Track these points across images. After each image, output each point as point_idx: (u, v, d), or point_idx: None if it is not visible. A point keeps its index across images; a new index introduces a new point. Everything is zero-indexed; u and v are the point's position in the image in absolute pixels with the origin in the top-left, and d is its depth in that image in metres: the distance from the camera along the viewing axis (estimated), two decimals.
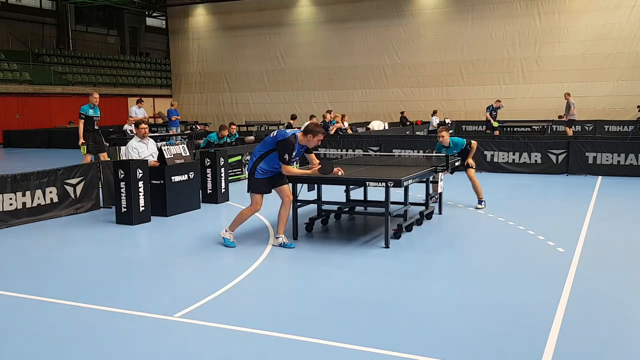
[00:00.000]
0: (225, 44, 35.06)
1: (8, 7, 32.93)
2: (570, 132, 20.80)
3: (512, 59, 28.23)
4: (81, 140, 12.17)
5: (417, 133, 22.23)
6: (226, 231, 7.23)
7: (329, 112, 19.05)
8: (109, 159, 11.60)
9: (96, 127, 12.38)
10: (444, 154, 9.63)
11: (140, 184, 8.80)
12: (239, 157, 13.62)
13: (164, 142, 12.80)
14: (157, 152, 9.62)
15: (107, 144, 12.91)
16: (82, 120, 12.25)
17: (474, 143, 9.76)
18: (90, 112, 12.30)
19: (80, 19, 38.36)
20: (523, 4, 27.75)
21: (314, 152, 7.46)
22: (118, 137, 17.05)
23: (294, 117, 20.10)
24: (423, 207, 8.67)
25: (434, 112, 24.23)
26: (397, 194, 8.98)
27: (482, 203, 9.65)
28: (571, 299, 5.15)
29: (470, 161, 9.65)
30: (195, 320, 4.74)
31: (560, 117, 21.70)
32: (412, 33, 30.21)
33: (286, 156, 6.74)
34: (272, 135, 6.96)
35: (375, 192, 8.35)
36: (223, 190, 10.68)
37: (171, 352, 4.21)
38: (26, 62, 31.63)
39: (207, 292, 5.44)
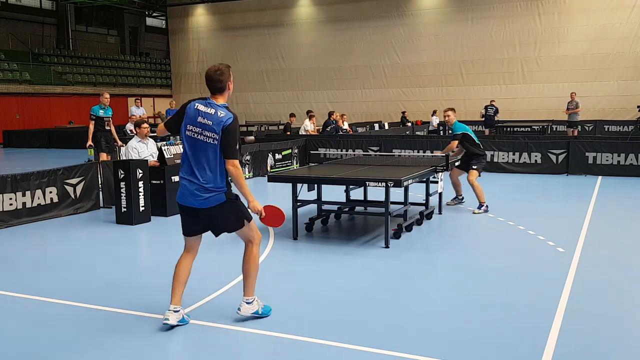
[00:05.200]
0: (225, 44, 35.06)
1: (8, 7, 32.93)
2: (575, 132, 20.81)
3: (512, 59, 28.25)
4: (89, 143, 12.01)
5: (417, 133, 22.24)
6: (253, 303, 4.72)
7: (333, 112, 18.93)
8: (109, 159, 11.58)
9: (107, 128, 12.23)
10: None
11: (140, 184, 8.80)
12: None
13: (164, 142, 12.79)
14: (157, 152, 9.62)
15: (122, 144, 12.64)
16: (93, 122, 12.05)
17: (453, 143, 9.46)
18: (101, 113, 12.14)
19: (80, 19, 38.37)
20: (523, 4, 27.76)
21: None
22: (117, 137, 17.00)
23: (292, 115, 20.04)
24: (423, 207, 8.67)
25: (434, 112, 24.26)
26: (397, 194, 8.98)
27: (482, 207, 9.25)
28: (571, 299, 5.15)
29: (438, 152, 9.91)
30: (195, 320, 4.74)
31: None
32: (412, 33, 30.23)
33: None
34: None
35: (375, 192, 8.34)
36: None
37: (171, 352, 4.21)
38: (26, 62, 31.64)
39: (207, 292, 5.44)
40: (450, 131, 9.95)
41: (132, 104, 22.09)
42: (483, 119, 22.12)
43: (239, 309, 4.61)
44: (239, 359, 4.11)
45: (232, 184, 4.53)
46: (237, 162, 4.38)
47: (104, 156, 11.99)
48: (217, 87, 4.42)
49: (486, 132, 21.11)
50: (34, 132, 26.83)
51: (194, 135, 4.37)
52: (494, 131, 21.01)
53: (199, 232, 4.64)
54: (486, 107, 21.72)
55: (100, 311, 5.02)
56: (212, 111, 4.35)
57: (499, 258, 6.70)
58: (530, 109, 27.44)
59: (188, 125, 4.39)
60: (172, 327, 4.49)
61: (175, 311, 4.51)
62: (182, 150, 4.58)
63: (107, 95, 12.38)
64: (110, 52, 38.94)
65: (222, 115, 4.35)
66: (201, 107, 4.38)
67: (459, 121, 9.78)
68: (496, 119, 21.75)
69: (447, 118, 9.73)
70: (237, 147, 4.39)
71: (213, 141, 4.32)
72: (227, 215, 4.50)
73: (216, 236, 4.71)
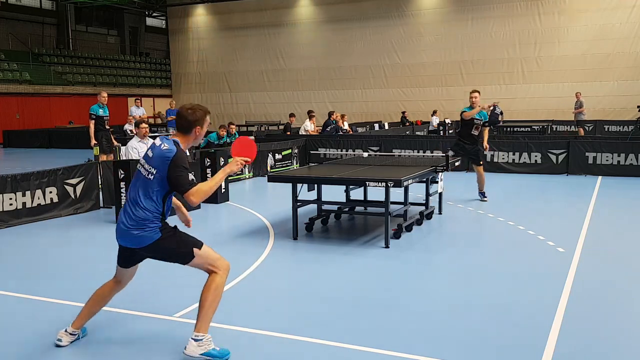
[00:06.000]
0: (225, 44, 35.06)
1: (8, 7, 32.94)
2: (581, 131, 20.82)
3: (512, 59, 28.24)
4: (93, 142, 12.02)
5: (417, 133, 22.23)
6: None
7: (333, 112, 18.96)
8: (111, 159, 11.60)
9: (107, 127, 12.24)
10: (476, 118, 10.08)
11: None
12: None
13: None
14: None
15: (119, 144, 12.73)
16: (93, 121, 12.04)
17: (487, 130, 10.38)
18: (100, 112, 12.17)
19: (80, 19, 38.37)
20: (523, 4, 27.76)
21: None
22: (118, 137, 17.03)
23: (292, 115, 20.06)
24: (423, 207, 8.67)
25: (434, 112, 24.26)
26: (397, 194, 8.98)
27: (484, 196, 9.85)
28: (571, 299, 5.15)
29: (486, 144, 10.25)
30: (195, 320, 4.73)
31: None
32: (412, 33, 30.22)
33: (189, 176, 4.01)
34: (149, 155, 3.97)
35: (375, 192, 8.34)
36: (223, 190, 10.68)
37: (171, 352, 4.20)
38: (26, 62, 31.64)
39: None
40: (479, 119, 10.03)
41: (132, 104, 22.10)
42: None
43: (185, 347, 3.93)
44: (239, 359, 4.10)
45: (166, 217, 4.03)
46: (192, 191, 3.79)
47: (104, 157, 11.97)
48: (181, 124, 3.93)
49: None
50: (34, 132, 26.84)
51: (139, 167, 3.97)
52: (495, 131, 20.92)
53: (135, 264, 4.23)
54: (495, 106, 21.64)
55: (101, 311, 5.01)
56: (158, 143, 3.91)
57: (498, 258, 6.70)
58: (530, 109, 27.42)
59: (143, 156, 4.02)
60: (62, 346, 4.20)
61: (72, 334, 4.24)
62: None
63: (105, 95, 12.40)
64: (110, 52, 38.94)
65: (165, 148, 3.84)
66: (157, 141, 3.97)
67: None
68: (500, 119, 21.67)
69: (474, 99, 9.96)
70: (186, 175, 3.84)
71: (148, 175, 3.85)
72: (169, 252, 3.97)
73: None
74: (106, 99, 12.34)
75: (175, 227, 4.05)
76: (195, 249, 3.99)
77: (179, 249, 3.97)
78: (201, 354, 3.90)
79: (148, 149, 4.00)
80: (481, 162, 10.03)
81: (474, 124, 10.00)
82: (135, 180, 3.96)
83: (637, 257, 6.72)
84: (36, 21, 35.46)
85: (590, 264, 6.32)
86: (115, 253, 4.31)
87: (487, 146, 10.21)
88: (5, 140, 26.57)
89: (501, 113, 21.65)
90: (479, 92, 10.10)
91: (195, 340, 3.91)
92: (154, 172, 3.84)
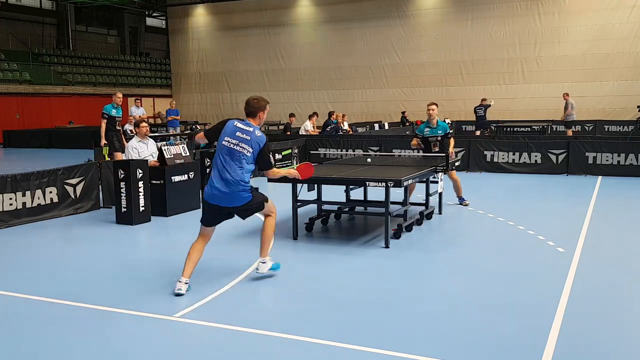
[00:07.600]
0: (225, 44, 35.06)
1: (8, 7, 32.93)
2: (569, 132, 20.78)
3: (512, 59, 28.24)
4: (103, 141, 12.00)
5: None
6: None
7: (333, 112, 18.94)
8: (109, 159, 11.57)
9: (118, 128, 12.20)
10: (426, 136, 9.65)
11: (140, 184, 8.80)
12: None
13: (164, 142, 12.78)
14: (157, 152, 9.62)
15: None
16: (105, 120, 12.01)
17: (453, 140, 9.82)
18: (113, 112, 12.13)
19: (80, 19, 38.35)
20: (523, 4, 27.76)
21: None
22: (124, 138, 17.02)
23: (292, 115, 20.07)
24: (423, 207, 8.67)
25: None
26: (397, 194, 8.98)
27: (464, 201, 9.67)
28: (571, 299, 5.15)
29: (452, 150, 9.63)
30: (195, 320, 4.74)
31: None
32: (412, 33, 30.22)
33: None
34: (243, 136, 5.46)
35: (375, 192, 8.34)
36: None
37: (171, 352, 4.21)
38: (26, 62, 31.63)
39: (207, 292, 5.44)
40: (434, 136, 9.62)
41: (132, 104, 22.08)
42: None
43: (257, 269, 5.80)
44: (239, 359, 4.11)
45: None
46: (272, 170, 5.66)
47: (119, 155, 11.85)
48: (250, 111, 5.60)
49: (477, 132, 20.92)
50: (34, 132, 26.82)
51: (230, 145, 5.39)
52: (486, 132, 20.69)
53: (219, 222, 5.61)
54: (475, 109, 21.25)
55: (101, 311, 5.02)
56: (250, 129, 5.46)
57: (499, 258, 6.71)
58: (530, 109, 27.42)
59: (226, 138, 5.41)
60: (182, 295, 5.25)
61: (185, 282, 5.40)
62: (214, 158, 5.50)
63: (120, 95, 12.38)
64: (110, 52, 38.93)
65: (259, 135, 5.47)
66: (240, 125, 5.48)
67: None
68: (487, 118, 21.21)
69: (431, 112, 9.50)
70: (270, 159, 5.61)
71: (247, 153, 5.39)
72: (253, 205, 5.54)
73: (243, 219, 5.78)
74: (121, 99, 12.33)
75: (257, 188, 5.60)
76: (265, 203, 5.68)
77: (259, 202, 5.60)
78: (269, 269, 5.77)
79: (243, 132, 5.44)
80: (452, 168, 9.37)
81: (429, 141, 9.61)
82: (229, 155, 5.39)
83: (637, 257, 6.72)
84: (36, 21, 35.44)
85: (590, 264, 6.32)
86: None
87: (452, 152, 9.57)
88: (5, 140, 26.55)
89: (484, 111, 21.24)
90: (436, 104, 9.67)
91: (263, 262, 5.76)
92: (251, 151, 5.42)
